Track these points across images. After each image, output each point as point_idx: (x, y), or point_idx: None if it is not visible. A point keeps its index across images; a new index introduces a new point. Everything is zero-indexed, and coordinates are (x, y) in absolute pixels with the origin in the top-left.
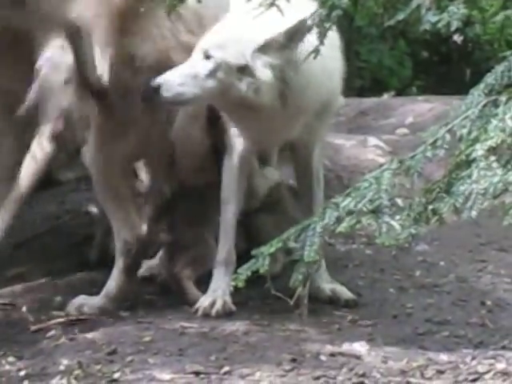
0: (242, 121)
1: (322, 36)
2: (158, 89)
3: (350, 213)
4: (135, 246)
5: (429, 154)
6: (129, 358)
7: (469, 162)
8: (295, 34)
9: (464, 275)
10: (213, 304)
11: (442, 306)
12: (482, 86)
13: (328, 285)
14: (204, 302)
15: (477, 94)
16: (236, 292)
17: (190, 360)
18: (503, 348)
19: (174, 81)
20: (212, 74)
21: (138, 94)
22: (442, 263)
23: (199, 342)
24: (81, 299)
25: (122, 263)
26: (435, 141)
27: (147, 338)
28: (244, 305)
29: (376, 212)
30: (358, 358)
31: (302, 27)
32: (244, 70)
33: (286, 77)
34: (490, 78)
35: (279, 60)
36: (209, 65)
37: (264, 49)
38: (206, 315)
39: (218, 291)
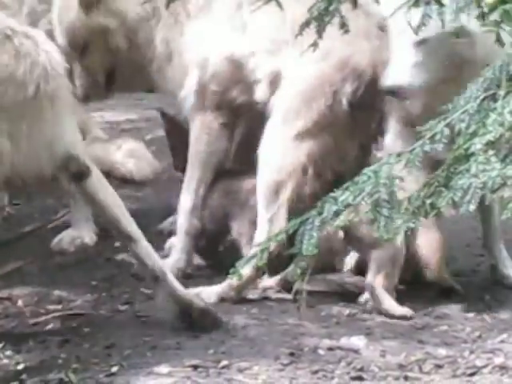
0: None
1: (320, 30)
2: (394, 91)
3: (348, 206)
4: None
5: (427, 148)
6: (127, 352)
7: (467, 156)
8: None
9: (462, 269)
10: None
11: (440, 300)
12: (480, 80)
13: None
14: None
15: (475, 89)
16: None
17: (188, 354)
18: (501, 342)
19: (406, 76)
20: (432, 53)
21: None
22: None
23: (197, 336)
24: None
25: None
26: (434, 135)
27: (145, 332)
28: (242, 299)
29: (374, 206)
30: (356, 352)
31: None
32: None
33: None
34: (488, 73)
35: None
36: (426, 47)
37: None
38: None
39: None
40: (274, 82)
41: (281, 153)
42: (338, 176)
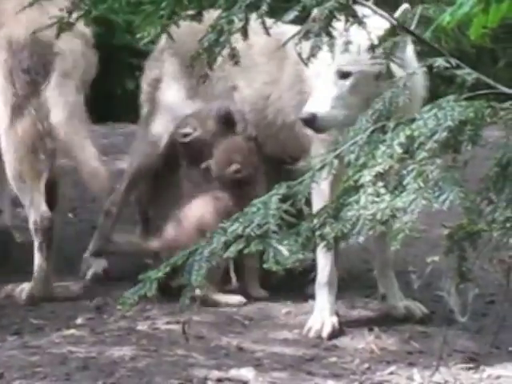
0: None
1: (211, 62)
2: (312, 118)
3: (237, 237)
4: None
5: (317, 179)
6: (16, 383)
7: (357, 188)
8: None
9: (351, 301)
10: (323, 325)
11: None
12: (370, 112)
13: (402, 302)
14: (315, 323)
15: (365, 120)
16: (123, 317)
17: None
18: (390, 374)
19: (326, 107)
20: (354, 89)
21: None
22: None
23: (86, 367)
24: (9, 288)
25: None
26: (323, 166)
27: (34, 363)
28: (131, 330)
29: (264, 237)
30: (245, 383)
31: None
32: (380, 74)
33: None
34: (378, 105)
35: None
36: (348, 82)
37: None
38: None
39: (325, 312)
40: None
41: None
42: None
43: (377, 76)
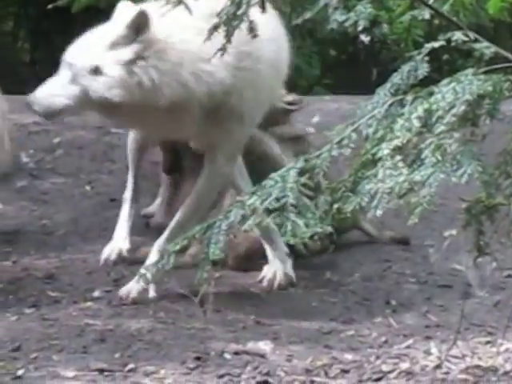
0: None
1: (229, 35)
2: (30, 104)
3: (255, 211)
4: None
5: (335, 152)
6: (33, 355)
7: (375, 162)
8: (139, 27)
9: (369, 275)
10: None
11: (347, 305)
12: (388, 85)
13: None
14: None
15: (383, 94)
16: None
17: (95, 357)
18: (407, 347)
19: (44, 93)
20: (73, 80)
21: None
22: (346, 262)
23: (104, 340)
24: None
25: None
26: (341, 140)
27: (52, 335)
28: (149, 302)
29: (281, 210)
30: (263, 356)
31: (144, 19)
32: (97, 71)
33: (139, 71)
34: (396, 78)
35: (130, 55)
36: (69, 72)
37: (113, 46)
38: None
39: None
40: None
41: None
42: None
43: (93, 71)
